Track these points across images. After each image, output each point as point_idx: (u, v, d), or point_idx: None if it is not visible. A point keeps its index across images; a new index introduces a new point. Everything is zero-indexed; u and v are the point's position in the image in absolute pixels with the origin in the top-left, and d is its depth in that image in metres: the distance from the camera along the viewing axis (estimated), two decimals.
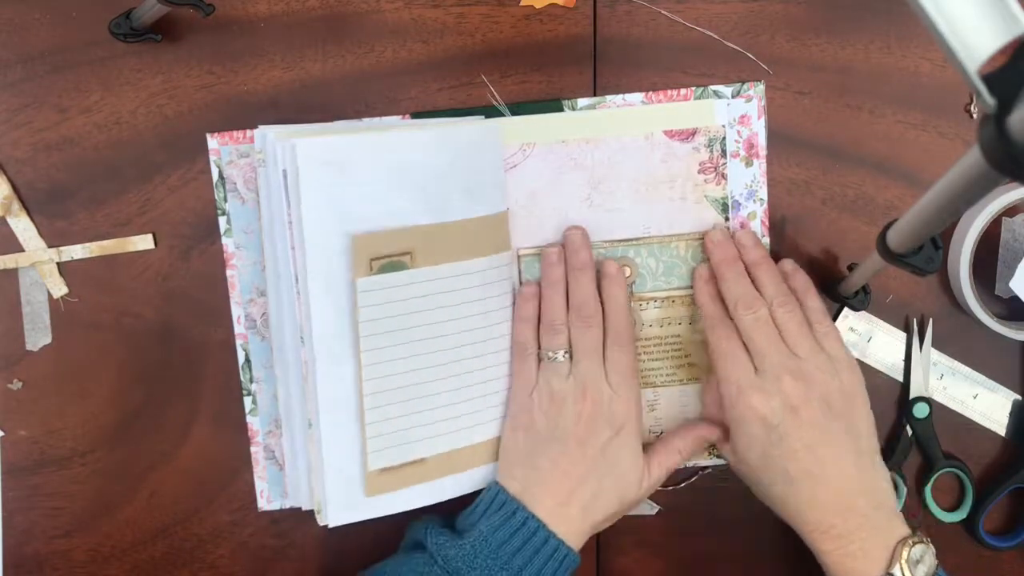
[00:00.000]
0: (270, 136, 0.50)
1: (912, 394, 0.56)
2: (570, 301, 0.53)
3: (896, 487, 0.57)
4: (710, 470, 0.58)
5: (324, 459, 0.50)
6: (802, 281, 0.52)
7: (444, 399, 0.53)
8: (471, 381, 0.53)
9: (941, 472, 0.57)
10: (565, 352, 0.52)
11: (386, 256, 0.50)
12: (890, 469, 0.56)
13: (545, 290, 0.53)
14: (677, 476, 0.57)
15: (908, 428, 0.56)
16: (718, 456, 0.56)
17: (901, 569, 0.46)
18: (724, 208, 0.55)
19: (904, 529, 0.48)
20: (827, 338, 0.50)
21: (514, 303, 0.55)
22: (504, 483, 0.51)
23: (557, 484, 0.50)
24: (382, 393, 0.51)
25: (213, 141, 0.55)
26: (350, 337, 0.50)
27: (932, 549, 0.47)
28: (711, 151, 0.55)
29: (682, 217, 0.55)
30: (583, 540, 0.50)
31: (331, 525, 0.51)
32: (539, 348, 0.53)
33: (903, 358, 0.57)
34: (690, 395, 0.57)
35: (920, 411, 0.56)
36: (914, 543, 0.47)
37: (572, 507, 0.49)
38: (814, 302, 0.52)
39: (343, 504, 0.51)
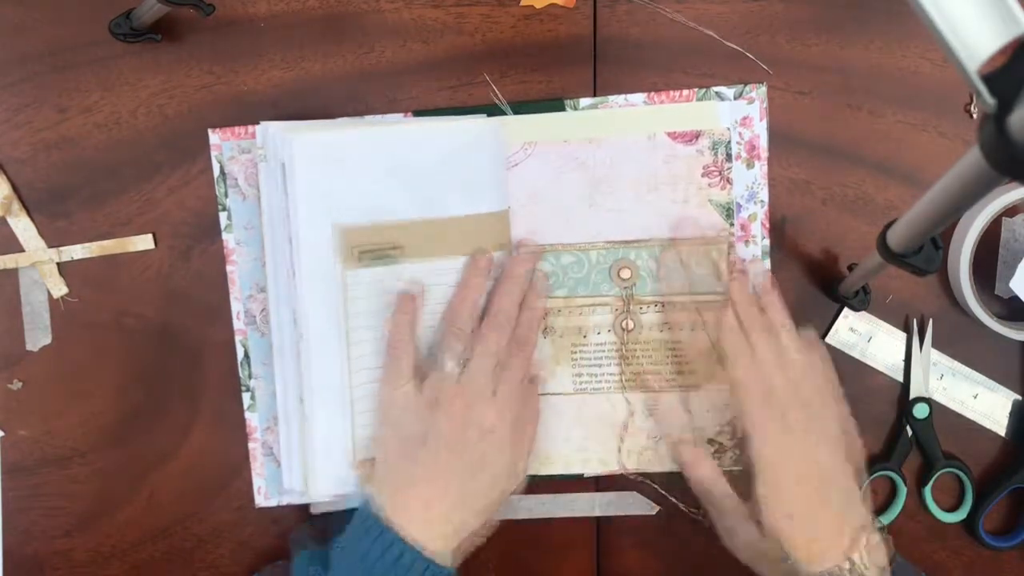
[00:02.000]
0: (271, 131, 0.51)
1: (912, 394, 0.56)
2: (490, 306, 0.52)
3: (896, 487, 0.57)
4: None
5: (313, 442, 0.51)
6: (778, 305, 0.53)
7: None
8: None
9: (941, 472, 0.57)
10: (460, 363, 0.50)
11: (374, 249, 0.50)
12: (890, 469, 0.56)
13: (460, 291, 0.52)
14: (676, 477, 0.57)
15: (908, 428, 0.56)
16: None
17: (860, 555, 0.47)
18: (728, 213, 0.55)
19: (867, 517, 0.49)
20: (810, 347, 0.52)
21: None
22: (372, 493, 0.49)
23: (424, 488, 0.48)
24: (369, 384, 0.51)
25: (215, 136, 0.55)
26: (341, 328, 0.50)
27: (889, 538, 0.48)
28: (715, 154, 0.55)
29: (684, 220, 0.55)
30: (453, 545, 0.48)
31: (314, 500, 0.52)
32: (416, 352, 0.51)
33: (903, 358, 0.57)
34: (689, 401, 0.56)
35: (920, 411, 0.56)
36: (872, 531, 0.48)
37: (437, 511, 0.48)
38: (788, 320, 0.53)
39: (329, 479, 0.52)
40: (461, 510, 0.49)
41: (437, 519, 0.48)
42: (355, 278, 0.50)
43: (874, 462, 0.57)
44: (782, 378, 0.50)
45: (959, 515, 0.57)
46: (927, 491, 0.57)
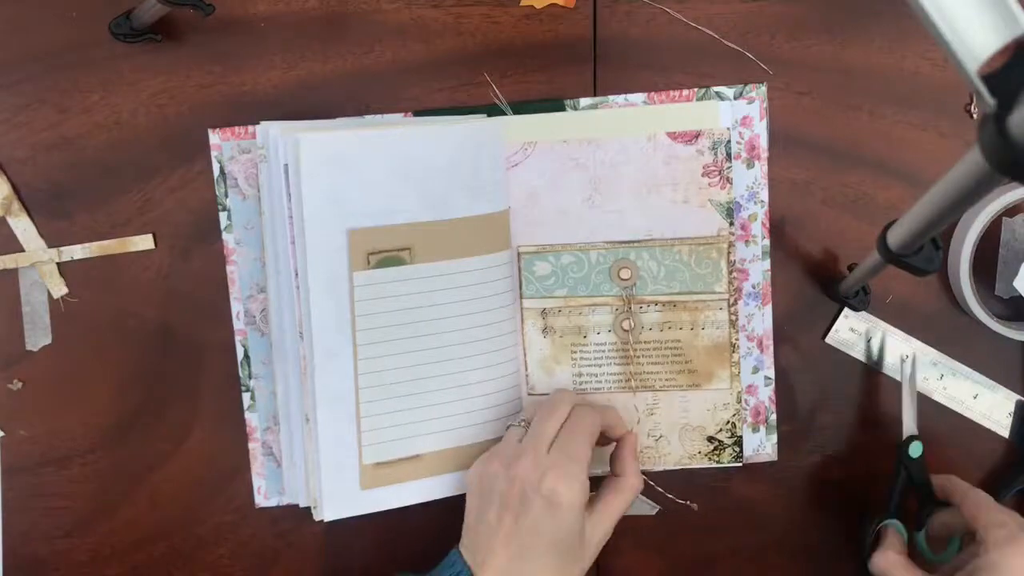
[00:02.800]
0: (272, 131, 0.51)
1: (904, 433, 0.55)
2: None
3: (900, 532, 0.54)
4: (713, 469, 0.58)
5: (321, 453, 0.51)
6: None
7: (441, 397, 0.53)
8: (468, 380, 0.54)
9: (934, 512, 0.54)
10: (525, 422, 0.51)
11: (384, 251, 0.50)
12: (892, 517, 0.54)
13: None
14: (676, 477, 0.57)
15: (904, 469, 0.54)
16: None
17: None
18: (729, 213, 0.55)
19: None
20: None
21: (514, 302, 0.55)
22: (461, 547, 0.49)
23: (500, 544, 0.47)
24: (378, 387, 0.51)
25: (215, 136, 0.55)
26: (348, 332, 0.50)
27: None
28: (715, 154, 0.55)
29: (685, 220, 0.55)
30: None
31: (327, 519, 0.51)
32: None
33: (903, 358, 0.57)
34: (690, 400, 0.56)
35: (915, 450, 0.54)
36: None
37: (521, 564, 0.47)
38: None
39: (339, 498, 0.51)
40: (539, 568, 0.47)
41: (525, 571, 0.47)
42: (364, 280, 0.50)
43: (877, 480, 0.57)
44: None
45: (948, 556, 0.54)
46: (920, 536, 0.54)
